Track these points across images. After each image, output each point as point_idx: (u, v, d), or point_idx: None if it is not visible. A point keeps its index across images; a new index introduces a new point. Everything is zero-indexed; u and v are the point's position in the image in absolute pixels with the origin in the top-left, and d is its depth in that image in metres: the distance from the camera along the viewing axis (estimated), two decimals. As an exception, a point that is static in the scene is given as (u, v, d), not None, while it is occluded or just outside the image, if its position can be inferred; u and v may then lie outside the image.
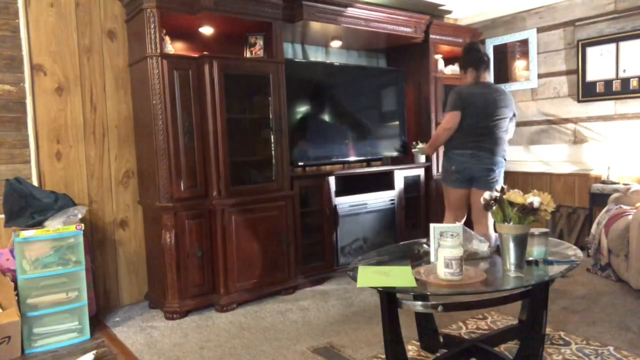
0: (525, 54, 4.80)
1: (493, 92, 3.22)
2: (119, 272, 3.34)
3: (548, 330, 2.54)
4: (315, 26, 3.69)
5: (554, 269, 1.97)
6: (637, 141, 4.06)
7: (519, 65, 4.88)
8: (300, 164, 3.72)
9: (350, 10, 3.73)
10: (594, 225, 3.68)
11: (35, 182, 2.97)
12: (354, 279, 1.88)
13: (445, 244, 1.80)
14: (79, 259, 2.80)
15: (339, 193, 3.81)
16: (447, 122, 3.17)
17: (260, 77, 3.35)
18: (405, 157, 4.46)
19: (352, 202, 3.89)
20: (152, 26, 2.95)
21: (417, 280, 1.82)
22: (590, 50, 4.29)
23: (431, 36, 4.35)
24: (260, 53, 3.53)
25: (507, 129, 3.29)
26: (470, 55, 3.28)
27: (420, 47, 4.40)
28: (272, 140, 3.38)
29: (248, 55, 3.57)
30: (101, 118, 3.25)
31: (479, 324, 2.75)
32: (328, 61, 4.30)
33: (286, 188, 3.45)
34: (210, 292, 3.20)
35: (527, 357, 2.04)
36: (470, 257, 2.09)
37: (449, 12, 5.00)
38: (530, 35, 4.72)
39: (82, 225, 2.78)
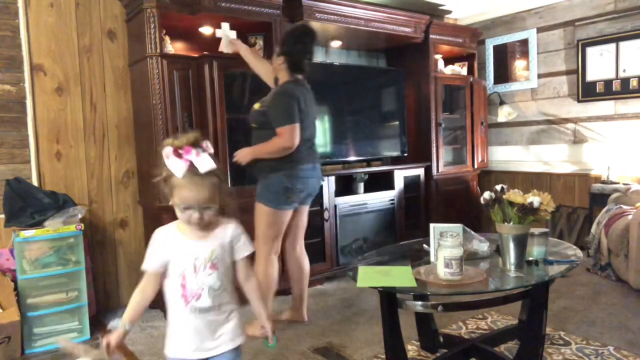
0: (525, 54, 4.80)
1: (309, 91, 2.72)
2: (119, 272, 3.34)
3: (548, 330, 2.54)
4: (315, 26, 3.68)
5: (554, 269, 1.97)
6: (637, 141, 4.06)
7: (518, 65, 4.88)
8: (300, 164, 3.71)
9: (350, 10, 3.73)
10: (594, 225, 3.68)
11: (35, 182, 2.97)
12: (354, 279, 1.88)
13: (445, 244, 1.80)
14: (79, 259, 2.80)
15: (339, 193, 3.81)
16: (292, 139, 2.51)
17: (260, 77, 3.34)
18: (406, 157, 4.46)
19: (352, 202, 3.89)
20: (152, 26, 2.95)
21: (417, 280, 1.82)
22: (590, 50, 4.29)
23: (431, 36, 4.35)
24: (260, 53, 3.53)
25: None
26: (300, 42, 2.61)
27: (420, 47, 4.40)
28: (272, 140, 3.38)
29: (248, 55, 3.56)
30: (101, 118, 3.25)
31: (479, 324, 2.75)
32: (328, 61, 4.30)
33: (286, 188, 3.45)
34: (210, 292, 3.19)
35: (527, 357, 2.04)
36: (470, 257, 2.09)
37: (449, 12, 5.00)
38: (530, 35, 4.72)
39: (82, 225, 2.78)
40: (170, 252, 1.42)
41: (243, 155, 2.67)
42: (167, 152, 1.35)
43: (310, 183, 2.69)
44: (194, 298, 1.43)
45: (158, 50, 2.96)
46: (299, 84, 2.65)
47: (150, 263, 1.43)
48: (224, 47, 3.06)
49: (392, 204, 4.13)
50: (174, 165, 1.34)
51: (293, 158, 2.59)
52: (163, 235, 1.44)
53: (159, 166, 1.38)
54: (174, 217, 1.40)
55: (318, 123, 2.94)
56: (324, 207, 3.70)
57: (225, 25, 3.09)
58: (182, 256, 1.42)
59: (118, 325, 1.42)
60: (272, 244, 2.67)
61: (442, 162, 4.50)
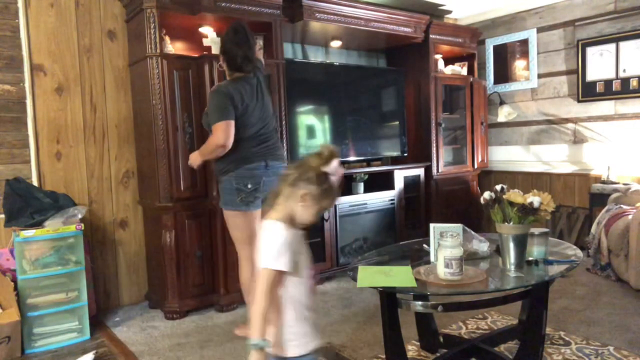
0: (525, 54, 4.80)
1: (254, 86, 2.63)
2: (119, 272, 3.34)
3: (548, 330, 2.54)
4: (315, 26, 3.69)
5: (554, 269, 1.97)
6: (637, 141, 4.06)
7: (519, 65, 4.88)
8: (300, 164, 3.71)
9: (350, 10, 3.73)
10: (594, 225, 3.68)
11: (35, 182, 2.97)
12: (354, 279, 1.88)
13: (445, 244, 1.80)
14: (79, 259, 2.80)
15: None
16: (224, 136, 2.45)
17: (260, 77, 3.35)
18: (406, 157, 4.46)
19: (352, 202, 3.89)
20: (152, 26, 2.95)
21: (417, 280, 1.82)
22: (590, 50, 4.29)
23: (431, 36, 4.35)
24: (261, 53, 3.53)
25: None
26: (231, 40, 2.57)
27: (420, 47, 4.40)
28: (272, 140, 3.38)
29: (248, 55, 3.56)
30: (101, 118, 3.25)
31: (479, 324, 2.75)
32: (328, 61, 4.30)
33: (286, 188, 3.44)
34: (210, 292, 3.20)
35: (527, 357, 2.04)
36: (470, 257, 2.09)
37: (449, 12, 5.00)
38: (530, 35, 4.72)
39: (82, 225, 2.78)
40: (298, 249, 1.46)
41: (193, 159, 2.67)
42: (336, 164, 1.56)
43: (265, 182, 2.56)
44: (314, 288, 1.55)
45: (158, 50, 2.96)
46: (236, 80, 2.57)
47: (288, 263, 1.39)
48: (214, 51, 3.28)
49: (392, 204, 4.13)
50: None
51: (237, 157, 2.53)
52: (289, 235, 1.43)
53: (314, 176, 1.51)
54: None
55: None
56: (324, 207, 3.70)
57: (212, 34, 3.34)
58: (306, 251, 1.51)
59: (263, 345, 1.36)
60: (250, 246, 2.55)
61: (442, 162, 4.50)
